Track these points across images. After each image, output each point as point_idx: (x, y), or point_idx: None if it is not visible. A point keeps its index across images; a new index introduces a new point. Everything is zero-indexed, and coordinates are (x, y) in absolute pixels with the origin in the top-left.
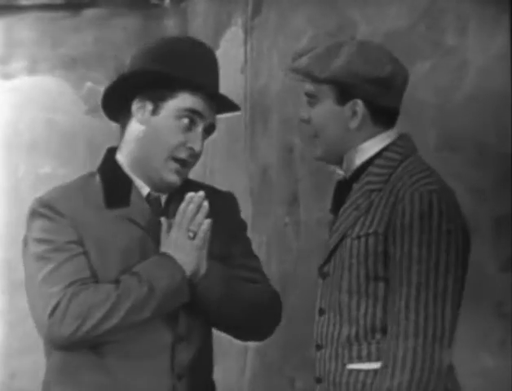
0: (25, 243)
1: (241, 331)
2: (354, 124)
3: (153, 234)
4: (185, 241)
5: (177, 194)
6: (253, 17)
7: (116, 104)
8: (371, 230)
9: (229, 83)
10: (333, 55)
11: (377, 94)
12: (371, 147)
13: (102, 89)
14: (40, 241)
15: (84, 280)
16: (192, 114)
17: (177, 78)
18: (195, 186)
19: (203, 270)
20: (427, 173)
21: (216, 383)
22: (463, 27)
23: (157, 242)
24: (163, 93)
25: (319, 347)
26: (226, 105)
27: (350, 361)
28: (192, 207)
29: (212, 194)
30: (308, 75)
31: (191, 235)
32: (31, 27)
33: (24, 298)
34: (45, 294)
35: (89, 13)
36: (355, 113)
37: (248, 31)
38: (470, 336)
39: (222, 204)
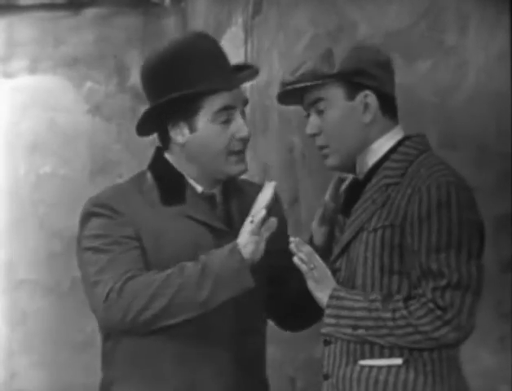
0: (79, 243)
1: (288, 320)
2: (367, 118)
3: (213, 230)
4: (246, 225)
5: (233, 190)
6: (253, 16)
7: (151, 126)
8: (387, 223)
9: None
10: (331, 56)
11: (383, 78)
12: (381, 146)
13: (103, 88)
14: (97, 236)
15: (140, 269)
16: (225, 110)
17: (200, 92)
18: (245, 184)
19: (257, 259)
20: (444, 167)
21: None
22: (463, 26)
23: (217, 237)
24: (191, 108)
25: (327, 342)
26: (247, 75)
27: (362, 357)
28: (260, 196)
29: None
30: (317, 75)
31: (250, 219)
32: (32, 26)
33: (24, 298)
34: (102, 281)
35: (90, 12)
36: (366, 106)
37: (248, 30)
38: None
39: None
